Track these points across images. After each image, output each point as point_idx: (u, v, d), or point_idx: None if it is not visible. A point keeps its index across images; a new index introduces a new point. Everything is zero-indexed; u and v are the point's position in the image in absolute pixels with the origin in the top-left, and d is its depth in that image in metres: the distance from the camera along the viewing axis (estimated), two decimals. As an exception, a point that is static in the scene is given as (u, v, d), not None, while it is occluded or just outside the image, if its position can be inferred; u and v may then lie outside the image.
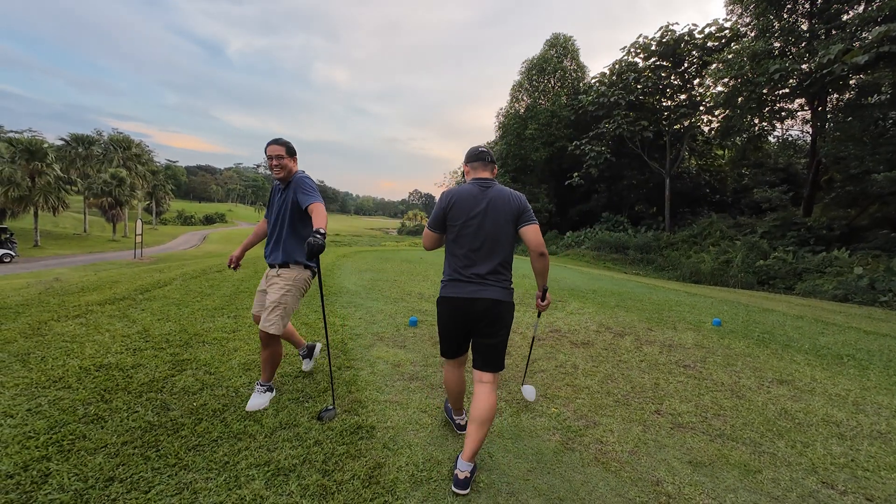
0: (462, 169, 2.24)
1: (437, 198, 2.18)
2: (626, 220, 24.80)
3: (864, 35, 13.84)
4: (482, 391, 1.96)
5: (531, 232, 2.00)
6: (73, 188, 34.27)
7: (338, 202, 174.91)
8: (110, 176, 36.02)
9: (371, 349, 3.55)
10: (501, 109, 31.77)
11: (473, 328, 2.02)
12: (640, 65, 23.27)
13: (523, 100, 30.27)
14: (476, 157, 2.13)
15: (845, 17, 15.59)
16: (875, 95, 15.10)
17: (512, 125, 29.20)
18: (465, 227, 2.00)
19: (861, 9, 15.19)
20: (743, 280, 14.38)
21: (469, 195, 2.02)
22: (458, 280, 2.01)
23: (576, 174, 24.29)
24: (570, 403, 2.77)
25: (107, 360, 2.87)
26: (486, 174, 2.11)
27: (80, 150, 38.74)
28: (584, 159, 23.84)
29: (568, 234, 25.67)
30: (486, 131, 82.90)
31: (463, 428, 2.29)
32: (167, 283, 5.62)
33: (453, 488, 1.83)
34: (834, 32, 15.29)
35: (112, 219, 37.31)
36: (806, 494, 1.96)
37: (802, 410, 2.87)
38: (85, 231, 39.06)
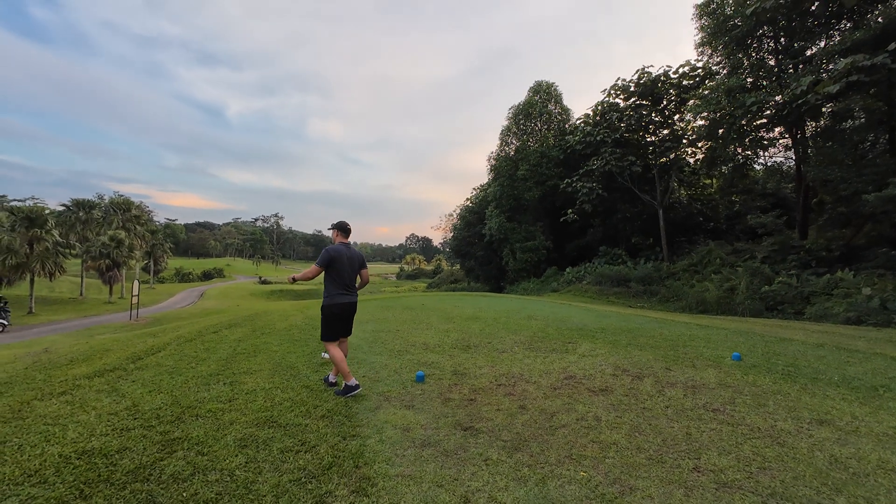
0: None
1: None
2: (624, 253, 24.81)
3: (830, 67, 14.59)
4: (345, 345, 3.99)
5: (366, 271, 4.02)
6: (72, 252, 34.35)
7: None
8: (109, 238, 36.29)
9: (377, 412, 3.30)
10: (492, 153, 32.79)
11: (348, 318, 3.87)
12: (622, 105, 24.38)
13: (512, 143, 31.34)
14: (345, 230, 3.92)
15: (809, 53, 16.55)
16: (850, 121, 15.68)
17: (503, 167, 30.03)
18: (342, 268, 3.76)
19: (823, 44, 16.18)
20: (750, 307, 14.10)
21: (342, 251, 3.80)
22: (343, 293, 3.79)
23: (570, 210, 24.63)
24: (598, 465, 2.52)
25: (90, 445, 2.63)
26: (347, 240, 3.93)
27: (80, 214, 39.29)
28: (576, 196, 24.27)
29: (568, 269, 25.55)
30: (477, 172, 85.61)
31: (357, 387, 3.62)
32: (161, 349, 5.40)
33: (353, 393, 3.59)
34: (802, 66, 16.15)
35: (109, 280, 37.07)
36: (886, 567, 1.71)
37: (853, 456, 2.62)
38: (81, 294, 38.67)
